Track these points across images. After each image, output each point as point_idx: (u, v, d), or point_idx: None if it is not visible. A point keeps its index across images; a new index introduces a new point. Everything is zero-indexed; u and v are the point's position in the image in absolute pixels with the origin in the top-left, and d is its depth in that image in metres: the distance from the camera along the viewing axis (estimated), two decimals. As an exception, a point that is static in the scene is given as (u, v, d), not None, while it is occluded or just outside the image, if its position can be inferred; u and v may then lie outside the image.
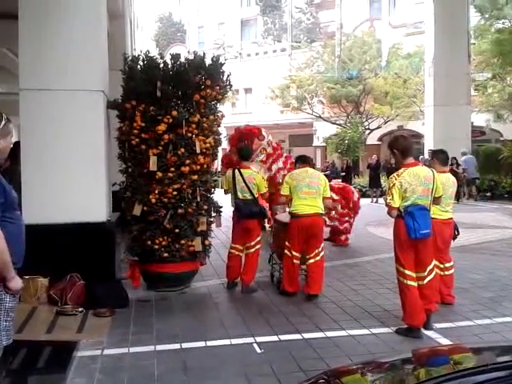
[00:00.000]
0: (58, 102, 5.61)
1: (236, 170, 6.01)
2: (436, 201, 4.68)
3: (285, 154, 9.63)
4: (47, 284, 5.34)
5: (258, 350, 4.19)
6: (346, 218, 9.02)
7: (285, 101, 29.32)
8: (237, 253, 6.07)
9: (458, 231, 5.64)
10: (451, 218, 5.41)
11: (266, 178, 8.98)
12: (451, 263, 5.52)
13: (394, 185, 4.45)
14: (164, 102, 5.64)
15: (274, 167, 9.06)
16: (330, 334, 4.57)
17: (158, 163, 5.60)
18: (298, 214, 5.62)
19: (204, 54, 6.12)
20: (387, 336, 4.54)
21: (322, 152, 31.39)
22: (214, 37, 44.30)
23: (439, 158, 5.48)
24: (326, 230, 8.53)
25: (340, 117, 28.20)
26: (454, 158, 17.08)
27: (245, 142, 8.68)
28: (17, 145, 6.02)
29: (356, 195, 9.31)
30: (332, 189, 8.47)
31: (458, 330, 4.74)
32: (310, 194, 5.63)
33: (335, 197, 8.47)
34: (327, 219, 8.64)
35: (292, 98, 28.83)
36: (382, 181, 18.01)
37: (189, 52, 6.12)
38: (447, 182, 5.20)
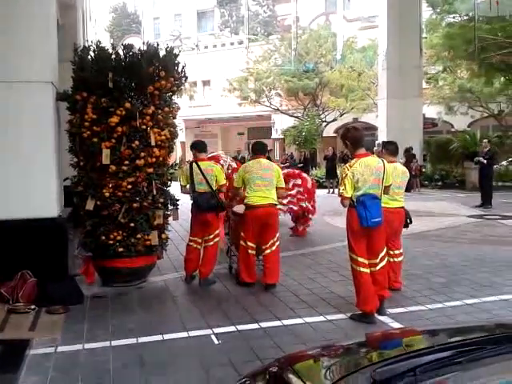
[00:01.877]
0: (4, 94, 5.40)
1: (193, 163, 5.96)
2: (385, 190, 4.79)
3: None
4: (-3, 282, 5.17)
5: (216, 342, 4.21)
6: (302, 204, 9.11)
7: (243, 93, 29.28)
8: (195, 245, 6.04)
9: (410, 220, 5.79)
10: (402, 207, 5.55)
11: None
12: (400, 250, 5.69)
13: (346, 175, 4.54)
14: (116, 94, 5.52)
15: None
16: (286, 322, 4.64)
17: (111, 156, 5.49)
18: (252, 205, 5.65)
19: (158, 44, 6.02)
20: (342, 322, 4.65)
21: (280, 144, 31.59)
22: (171, 28, 43.68)
23: (389, 148, 5.64)
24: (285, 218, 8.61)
25: (297, 109, 28.45)
26: (408, 150, 17.60)
27: None
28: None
29: (310, 182, 9.45)
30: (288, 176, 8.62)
31: (411, 314, 4.89)
32: (264, 185, 5.66)
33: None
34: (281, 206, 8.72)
35: (250, 90, 28.82)
36: (338, 172, 18.32)
37: (144, 43, 5.99)
38: (395, 172, 5.29)
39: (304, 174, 9.79)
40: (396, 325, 4.56)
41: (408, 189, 16.96)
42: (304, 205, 8.99)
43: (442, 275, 6.27)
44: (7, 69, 5.39)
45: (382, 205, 4.74)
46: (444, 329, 2.64)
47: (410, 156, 17.22)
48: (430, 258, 7.24)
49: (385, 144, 5.92)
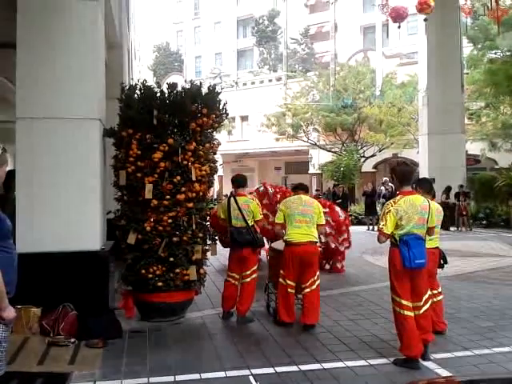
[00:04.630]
0: (55, 130, 5.63)
1: (231, 198, 6.00)
2: (429, 231, 4.65)
3: None
4: (39, 314, 5.25)
5: (254, 383, 4.10)
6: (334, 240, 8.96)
7: (280, 128, 29.59)
8: (233, 281, 5.99)
9: (445, 261, 5.55)
10: (436, 248, 5.32)
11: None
12: (439, 290, 5.44)
13: (389, 211, 4.45)
14: (160, 130, 5.66)
15: None
16: (327, 365, 4.48)
17: (153, 191, 5.59)
18: (292, 242, 5.59)
19: (201, 83, 6.18)
20: (385, 367, 4.47)
21: (317, 179, 31.54)
22: (211, 66, 45.00)
23: (423, 186, 5.43)
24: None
25: (335, 144, 28.43)
26: (447, 190, 17.26)
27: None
28: (10, 174, 6.01)
29: (342, 216, 9.28)
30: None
31: (456, 360, 4.66)
32: (304, 221, 5.61)
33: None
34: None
35: (288, 125, 29.09)
36: (377, 208, 18.02)
37: (186, 81, 6.17)
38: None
39: (336, 208, 9.61)
40: (441, 371, 4.36)
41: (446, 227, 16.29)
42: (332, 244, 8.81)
43: (489, 319, 5.98)
44: (59, 106, 5.63)
45: None
46: (493, 379, 2.49)
47: (462, 194, 17.00)
48: (475, 300, 6.94)
49: (419, 181, 5.69)
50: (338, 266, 9.06)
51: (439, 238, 5.41)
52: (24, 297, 4.85)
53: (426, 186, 5.45)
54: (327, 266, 9.09)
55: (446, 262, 5.55)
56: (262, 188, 9.42)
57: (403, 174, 4.64)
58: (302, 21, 43.20)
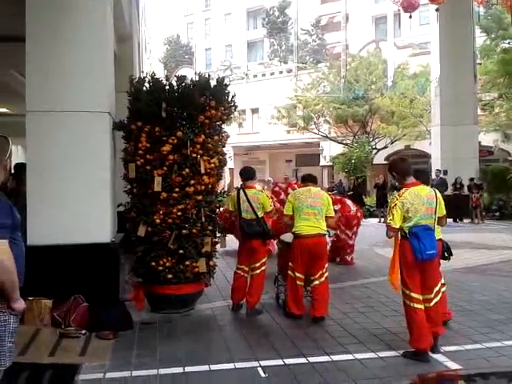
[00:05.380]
0: (65, 124, 5.67)
1: (240, 190, 6.00)
2: (440, 221, 4.62)
3: None
4: (51, 305, 5.30)
5: (263, 375, 4.12)
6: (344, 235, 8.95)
7: (291, 121, 29.47)
8: (242, 273, 6.01)
9: (450, 252, 5.47)
10: (439, 239, 5.14)
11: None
12: (442, 281, 5.37)
13: (395, 205, 4.43)
14: (169, 123, 5.66)
15: None
16: (335, 357, 4.48)
17: (162, 184, 5.61)
18: (300, 234, 5.58)
19: (209, 75, 6.16)
20: (394, 360, 4.45)
21: (328, 171, 31.42)
22: (222, 58, 44.90)
23: (420, 178, 5.35)
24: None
25: (347, 136, 28.26)
26: (458, 180, 17.06)
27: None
28: (21, 166, 6.08)
29: (353, 209, 9.22)
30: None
31: (467, 353, 4.63)
32: (313, 214, 5.60)
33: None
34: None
35: (298, 117, 28.97)
36: (389, 201, 17.90)
37: (196, 73, 6.16)
38: None
39: (348, 201, 9.54)
40: (451, 364, 4.33)
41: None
42: (342, 236, 8.78)
43: (500, 312, 5.93)
44: (69, 99, 5.67)
45: None
46: (504, 372, 2.47)
47: (475, 186, 16.79)
48: (487, 293, 6.88)
49: (415, 173, 5.60)
50: (348, 258, 9.06)
51: (441, 230, 5.33)
52: (35, 289, 4.93)
53: (423, 178, 5.37)
54: (337, 259, 9.09)
55: (450, 254, 5.49)
56: (276, 188, 9.52)
57: (402, 170, 4.65)
58: (313, 11, 42.87)
